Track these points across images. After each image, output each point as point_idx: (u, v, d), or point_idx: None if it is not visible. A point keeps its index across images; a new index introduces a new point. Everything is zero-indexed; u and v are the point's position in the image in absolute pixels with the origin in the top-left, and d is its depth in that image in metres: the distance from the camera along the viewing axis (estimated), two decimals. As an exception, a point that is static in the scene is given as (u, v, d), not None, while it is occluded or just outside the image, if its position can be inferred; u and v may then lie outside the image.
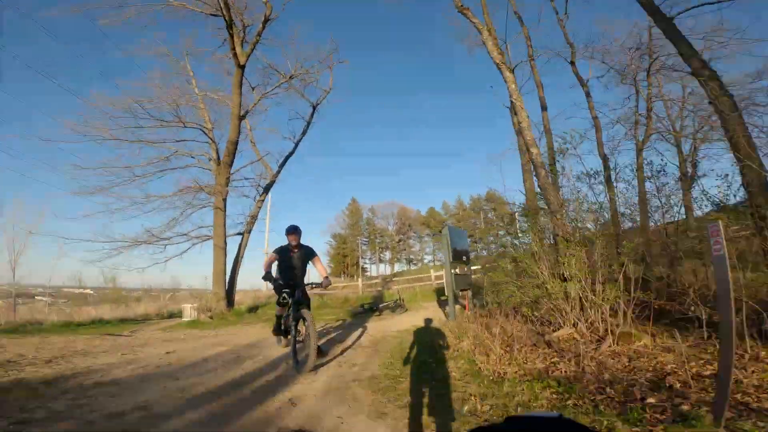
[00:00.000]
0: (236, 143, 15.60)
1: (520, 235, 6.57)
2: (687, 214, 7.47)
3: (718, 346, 3.55)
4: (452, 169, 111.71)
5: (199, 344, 8.15)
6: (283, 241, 5.95)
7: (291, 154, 19.02)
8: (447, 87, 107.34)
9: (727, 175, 5.61)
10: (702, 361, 3.83)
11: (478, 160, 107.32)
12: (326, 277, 5.76)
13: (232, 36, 14.43)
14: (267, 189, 18.26)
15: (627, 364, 4.26)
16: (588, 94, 14.19)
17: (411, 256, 78.41)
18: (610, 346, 4.89)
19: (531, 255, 5.65)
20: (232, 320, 14.52)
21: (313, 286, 5.80)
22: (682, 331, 4.56)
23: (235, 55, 14.85)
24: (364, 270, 78.87)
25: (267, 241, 47.45)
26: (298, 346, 5.42)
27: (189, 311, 15.69)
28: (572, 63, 14.60)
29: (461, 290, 9.46)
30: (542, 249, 5.63)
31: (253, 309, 16.79)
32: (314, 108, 19.09)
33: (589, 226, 5.81)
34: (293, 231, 5.97)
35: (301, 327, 5.75)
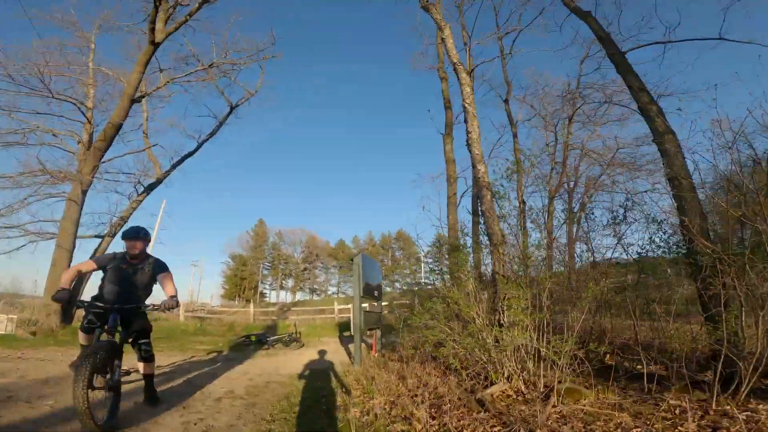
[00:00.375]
0: (119, 127, 12.48)
1: (445, 271, 5.44)
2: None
3: (669, 401, 3.32)
4: (368, 201, 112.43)
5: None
6: (171, 252, 3.92)
7: (191, 154, 16.14)
8: (379, 112, 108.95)
9: (660, 222, 5.26)
10: (668, 423, 3.07)
11: (397, 191, 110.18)
12: (172, 297, 3.85)
13: (156, 8, 11.69)
14: (150, 188, 14.97)
15: (583, 430, 3.27)
16: (515, 135, 14.53)
17: (315, 286, 75.02)
18: (554, 406, 3.82)
19: (465, 296, 4.45)
20: (63, 340, 10.88)
21: (152, 308, 3.82)
22: (617, 383, 4.03)
23: (152, 30, 11.94)
24: (262, 295, 72.82)
25: (152, 252, 40.95)
26: (105, 395, 3.32)
27: (3, 323, 11.45)
28: (506, 101, 14.94)
29: (369, 329, 7.98)
30: (477, 289, 4.49)
31: None
32: (232, 108, 16.70)
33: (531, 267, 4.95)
34: (135, 236, 4.13)
35: (140, 366, 4.20)
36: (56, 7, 14.00)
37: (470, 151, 5.42)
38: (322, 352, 9.16)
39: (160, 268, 4.19)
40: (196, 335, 12.53)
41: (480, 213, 4.92)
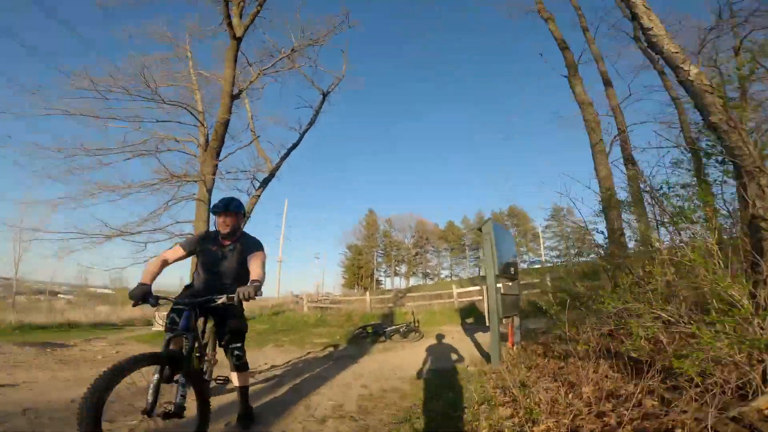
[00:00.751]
0: (226, 124, 13.01)
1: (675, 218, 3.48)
2: None
3: None
4: (475, 181, 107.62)
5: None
6: (296, 253, 3.15)
7: (295, 145, 16.33)
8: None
9: None
10: None
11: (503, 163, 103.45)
12: (254, 282, 2.80)
13: (227, 3, 12.00)
14: (264, 183, 15.50)
15: None
16: (662, 72, 11.00)
17: (428, 271, 74.76)
18: None
19: (710, 262, 2.53)
20: None
21: (225, 302, 2.80)
22: None
23: (230, 25, 12.31)
24: (378, 283, 75.51)
25: (281, 249, 45.12)
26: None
27: (158, 319, 13.01)
28: (636, 39, 11.48)
29: (505, 316, 6.34)
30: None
31: None
32: (324, 96, 16.43)
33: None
34: (225, 209, 3.29)
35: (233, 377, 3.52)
36: (148, 24, 15.16)
37: (660, 54, 3.34)
38: (445, 345, 7.87)
39: (251, 248, 3.26)
40: (316, 326, 12.48)
41: (709, 127, 2.86)
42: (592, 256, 6.59)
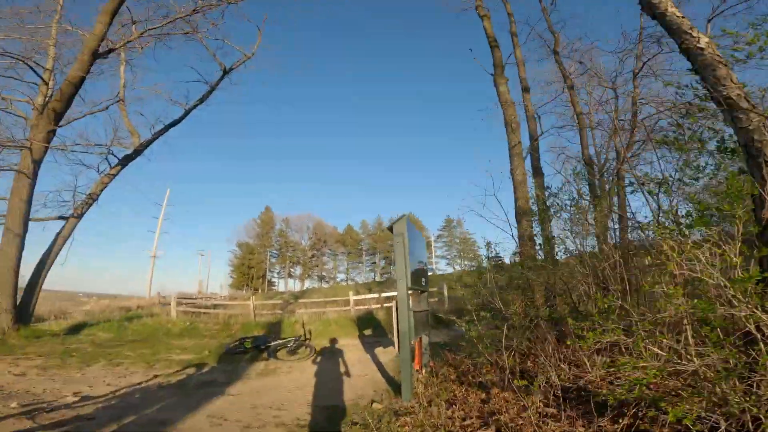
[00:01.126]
0: (78, 84, 9.77)
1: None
2: None
3: None
4: (375, 186, 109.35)
5: None
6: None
7: (176, 122, 13.50)
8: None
9: None
10: None
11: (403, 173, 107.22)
12: None
13: None
14: (125, 160, 12.32)
15: None
16: (571, 87, 11.64)
17: (323, 274, 72.89)
18: None
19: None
20: (18, 345, 8.51)
21: None
22: None
23: None
24: (271, 284, 70.95)
25: (156, 243, 38.42)
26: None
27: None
28: (555, 52, 12.05)
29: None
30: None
31: (74, 329, 10.60)
32: (225, 72, 13.98)
33: None
34: None
35: None
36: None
37: (662, 19, 2.62)
38: (341, 368, 6.58)
39: None
40: (181, 337, 10.03)
41: (719, 104, 2.14)
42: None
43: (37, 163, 9.69)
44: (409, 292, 4.42)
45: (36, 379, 5.35)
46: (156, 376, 5.82)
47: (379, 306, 13.54)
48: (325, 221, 76.59)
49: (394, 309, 4.74)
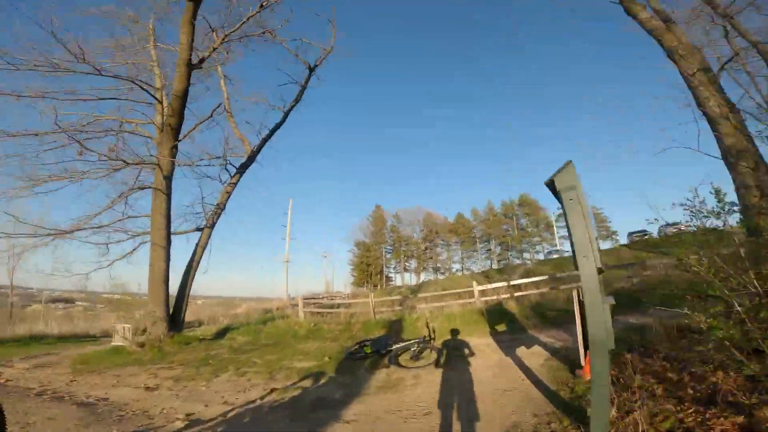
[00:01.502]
0: (183, 96, 10.38)
1: None
2: None
3: None
4: (484, 168, 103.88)
5: None
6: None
7: (279, 125, 13.85)
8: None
9: None
10: None
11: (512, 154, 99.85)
12: None
13: None
14: (242, 168, 12.96)
15: None
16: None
17: (438, 265, 71.83)
18: None
19: None
20: (171, 351, 9.26)
21: None
22: None
23: None
24: (388, 279, 72.83)
25: (287, 251, 42.18)
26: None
27: (122, 333, 10.45)
28: None
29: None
30: None
31: (219, 334, 11.40)
32: (311, 70, 13.92)
33: None
34: None
35: None
36: (108, 7, 12.61)
37: None
38: (482, 377, 5.15)
39: None
40: (306, 339, 9.83)
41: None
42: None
43: (168, 179, 10.55)
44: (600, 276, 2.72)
45: (164, 394, 5.30)
46: (273, 390, 5.27)
47: (508, 295, 11.63)
48: (434, 212, 75.58)
49: (576, 304, 3.08)
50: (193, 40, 10.59)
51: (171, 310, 10.67)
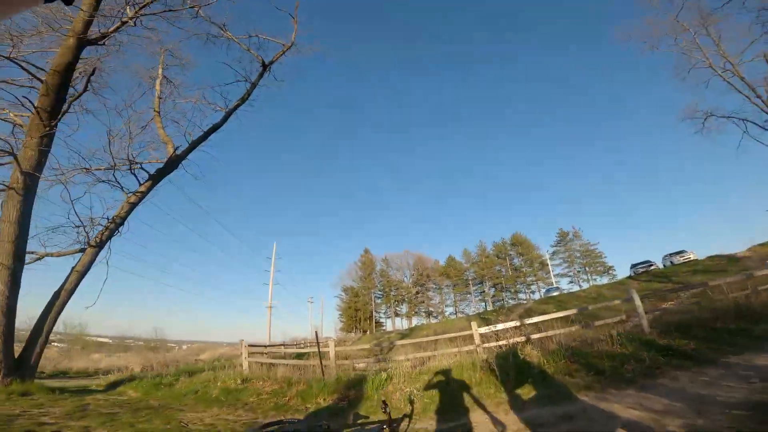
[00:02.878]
0: (64, 73, 7.32)
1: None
2: None
3: None
4: (472, 212, 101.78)
5: None
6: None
7: (217, 126, 10.81)
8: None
9: None
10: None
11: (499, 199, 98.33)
12: None
13: None
14: (158, 176, 9.62)
15: None
16: None
17: (430, 309, 66.96)
18: None
19: None
20: (36, 404, 5.35)
21: None
22: None
23: None
24: (379, 324, 67.24)
25: (270, 295, 37.35)
26: None
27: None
28: None
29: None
30: None
31: (113, 385, 7.49)
32: (265, 67, 11.30)
33: None
34: None
35: None
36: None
37: None
38: None
39: None
40: (213, 403, 6.03)
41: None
42: None
43: (29, 176, 7.15)
44: None
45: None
46: None
47: (523, 339, 8.00)
48: (424, 255, 72.05)
49: None
50: (96, 10, 7.78)
51: (14, 351, 6.89)
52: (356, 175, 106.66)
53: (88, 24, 7.67)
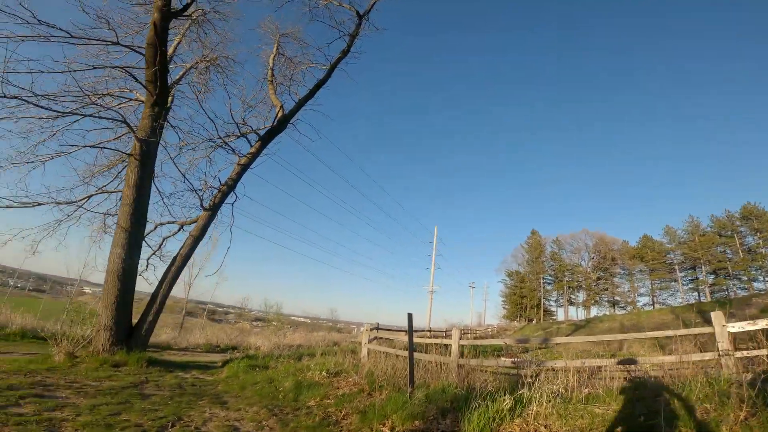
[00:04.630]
0: (155, 46, 6.95)
1: None
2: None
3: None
4: (674, 179, 78.27)
5: None
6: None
7: (323, 81, 9.71)
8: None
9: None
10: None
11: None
12: None
13: None
14: (268, 137, 8.98)
15: None
16: None
17: (616, 298, 54.47)
18: None
19: None
20: (106, 376, 5.25)
21: None
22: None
23: None
24: (548, 313, 58.94)
25: (432, 280, 36.27)
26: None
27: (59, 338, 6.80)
28: None
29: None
30: None
31: (225, 363, 7.16)
32: (361, 17, 9.57)
33: None
34: None
35: None
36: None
37: None
38: None
39: None
40: (259, 399, 4.43)
41: None
42: None
43: (144, 143, 7.16)
44: None
45: None
46: None
47: None
48: (608, 235, 59.11)
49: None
50: None
51: (131, 318, 7.04)
52: (521, 148, 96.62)
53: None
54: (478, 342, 6.96)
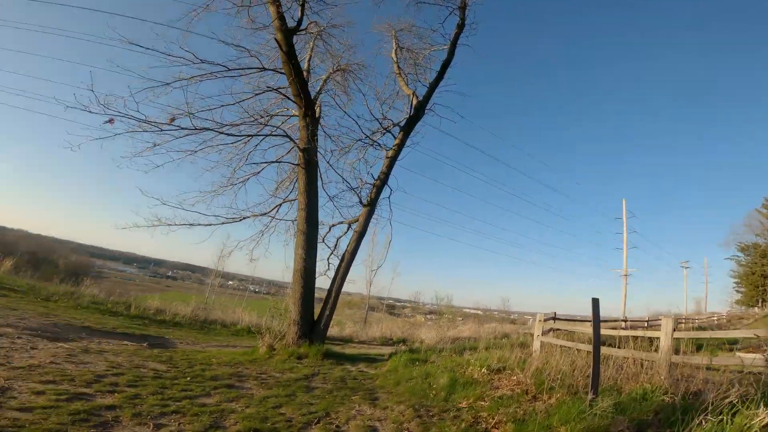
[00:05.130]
0: (288, 63, 7.63)
1: None
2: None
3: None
4: None
5: None
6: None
7: (448, 62, 9.43)
8: None
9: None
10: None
11: None
12: None
13: None
14: (409, 126, 9.12)
15: None
16: None
17: None
18: None
19: None
20: (286, 367, 6.26)
21: None
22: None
23: None
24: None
25: (625, 261, 30.39)
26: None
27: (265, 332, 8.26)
28: None
29: None
30: None
31: (390, 356, 7.62)
32: None
33: None
34: None
35: None
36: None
37: None
38: None
39: None
40: (396, 398, 4.20)
41: None
42: None
43: (305, 151, 8.12)
44: None
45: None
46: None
47: None
48: None
49: None
50: (279, 6, 7.67)
51: (313, 313, 8.03)
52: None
53: (281, 16, 7.48)
54: (705, 335, 5.07)
